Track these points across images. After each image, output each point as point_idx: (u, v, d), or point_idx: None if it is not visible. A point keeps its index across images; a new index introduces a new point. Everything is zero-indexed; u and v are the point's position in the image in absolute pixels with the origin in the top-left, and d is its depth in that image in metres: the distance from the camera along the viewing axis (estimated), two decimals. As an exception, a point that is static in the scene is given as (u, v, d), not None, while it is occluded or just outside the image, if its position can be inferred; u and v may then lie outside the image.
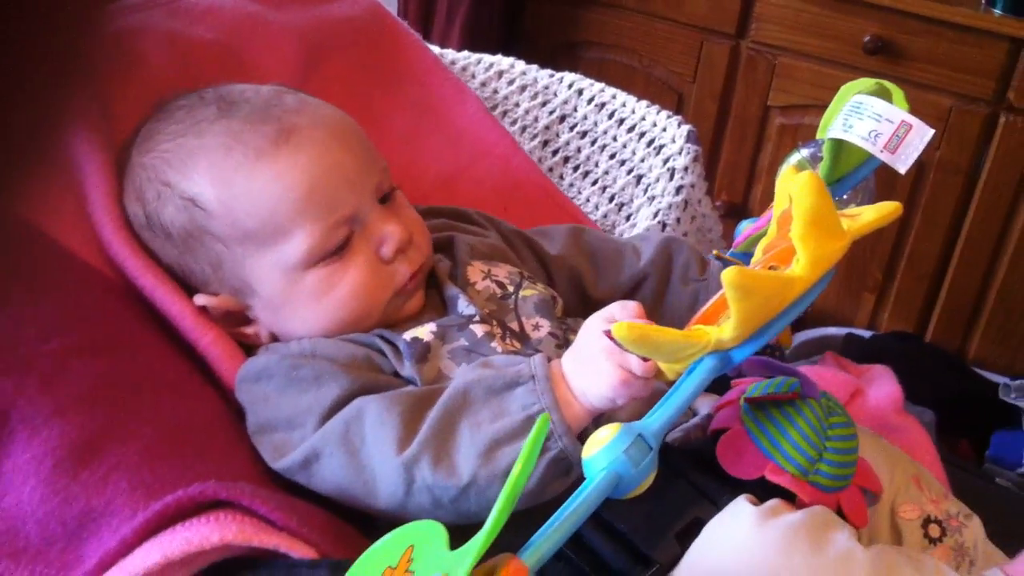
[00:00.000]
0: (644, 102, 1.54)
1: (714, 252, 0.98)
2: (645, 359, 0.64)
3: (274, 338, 0.79)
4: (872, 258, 2.08)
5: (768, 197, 2.09)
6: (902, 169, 0.70)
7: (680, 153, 1.49)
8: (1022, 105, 1.82)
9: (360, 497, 0.69)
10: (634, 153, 1.52)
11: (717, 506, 0.65)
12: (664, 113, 1.52)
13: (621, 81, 1.67)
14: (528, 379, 0.67)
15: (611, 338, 0.61)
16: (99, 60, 0.86)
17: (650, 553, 0.65)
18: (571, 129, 1.53)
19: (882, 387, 0.87)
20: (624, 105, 1.54)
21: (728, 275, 0.55)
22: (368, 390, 0.72)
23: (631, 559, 0.66)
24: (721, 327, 0.59)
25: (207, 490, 0.62)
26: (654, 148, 1.51)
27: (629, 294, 0.92)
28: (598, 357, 0.65)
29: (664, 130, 1.51)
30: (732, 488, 0.67)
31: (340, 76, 1.00)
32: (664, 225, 1.43)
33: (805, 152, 0.83)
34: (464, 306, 0.79)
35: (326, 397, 0.71)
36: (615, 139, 1.53)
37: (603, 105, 1.55)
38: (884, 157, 0.70)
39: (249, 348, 0.80)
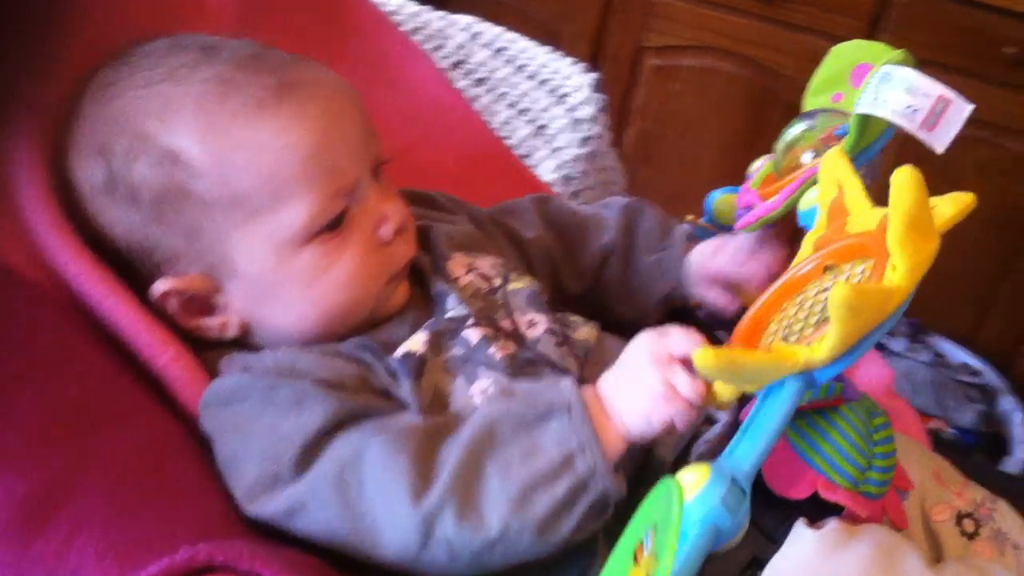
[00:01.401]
0: (546, 48, 1.45)
1: (688, 217, 0.92)
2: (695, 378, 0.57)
3: (245, 331, 0.68)
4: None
5: (645, 140, 2.08)
6: (939, 148, 0.64)
7: (585, 103, 1.41)
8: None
9: (359, 548, 0.59)
10: (536, 102, 1.42)
11: (772, 540, 0.59)
12: (567, 60, 1.44)
13: (491, 19, 1.57)
14: (563, 410, 0.58)
15: (684, 364, 0.54)
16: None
17: None
18: (467, 76, 1.41)
19: (871, 369, 0.82)
20: (524, 51, 1.44)
21: (839, 295, 0.48)
22: (357, 416, 0.61)
23: None
24: (813, 347, 0.52)
25: (199, 555, 0.52)
26: (557, 97, 1.42)
27: (597, 271, 0.85)
28: (648, 378, 0.58)
29: (568, 78, 1.43)
30: (782, 511, 0.61)
31: (281, 30, 0.86)
32: (568, 178, 1.35)
33: (803, 125, 0.76)
34: (454, 305, 0.70)
35: (309, 424, 0.60)
36: (514, 87, 1.43)
37: (501, 50, 1.44)
38: (922, 135, 0.64)
39: (211, 363, 0.68)
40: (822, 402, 0.63)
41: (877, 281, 0.52)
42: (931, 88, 0.64)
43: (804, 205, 0.68)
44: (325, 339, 0.67)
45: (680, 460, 0.67)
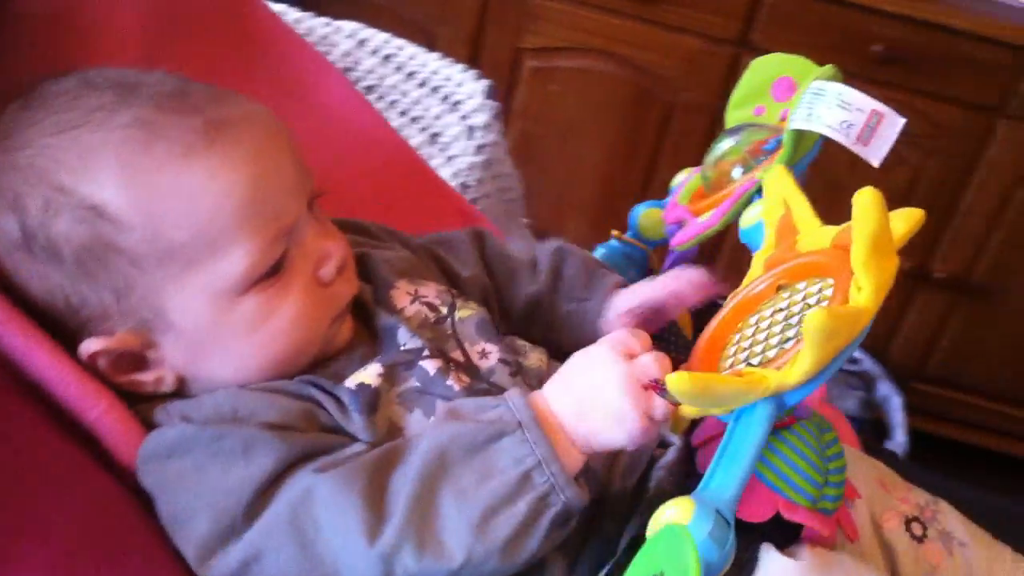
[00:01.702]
0: (435, 54, 1.43)
1: (614, 233, 0.91)
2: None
3: (181, 383, 0.64)
4: (624, 198, 2.11)
5: (526, 141, 2.07)
6: (876, 162, 0.65)
7: (479, 110, 1.39)
8: (765, 46, 1.90)
9: None
10: (428, 110, 1.39)
11: (738, 566, 0.59)
12: (458, 67, 1.42)
13: (368, 21, 1.53)
14: (514, 427, 0.56)
15: (656, 388, 0.53)
16: None
17: None
18: (355, 84, 1.37)
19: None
20: (413, 57, 1.41)
21: (817, 320, 0.47)
22: (308, 455, 0.57)
23: None
24: (784, 371, 0.51)
25: None
26: (450, 104, 1.39)
27: (524, 319, 0.81)
28: (618, 402, 0.56)
29: (460, 85, 1.41)
30: (743, 535, 0.60)
31: (192, 50, 0.80)
32: (465, 186, 1.33)
33: (731, 140, 0.77)
34: (407, 338, 0.66)
35: (258, 471, 0.56)
36: (405, 95, 1.40)
37: (389, 57, 1.41)
38: (857, 149, 0.65)
39: (145, 414, 0.63)
40: (776, 421, 0.63)
41: (841, 302, 0.53)
42: (864, 103, 0.65)
43: (746, 222, 0.68)
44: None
45: (639, 485, 0.66)
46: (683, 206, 0.81)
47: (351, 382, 0.62)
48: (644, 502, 0.65)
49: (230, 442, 0.57)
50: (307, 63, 0.91)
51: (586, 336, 0.75)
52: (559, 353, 0.76)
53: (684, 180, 0.86)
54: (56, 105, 0.60)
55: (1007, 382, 2.14)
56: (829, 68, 0.69)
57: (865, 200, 0.51)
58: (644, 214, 0.88)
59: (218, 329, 0.61)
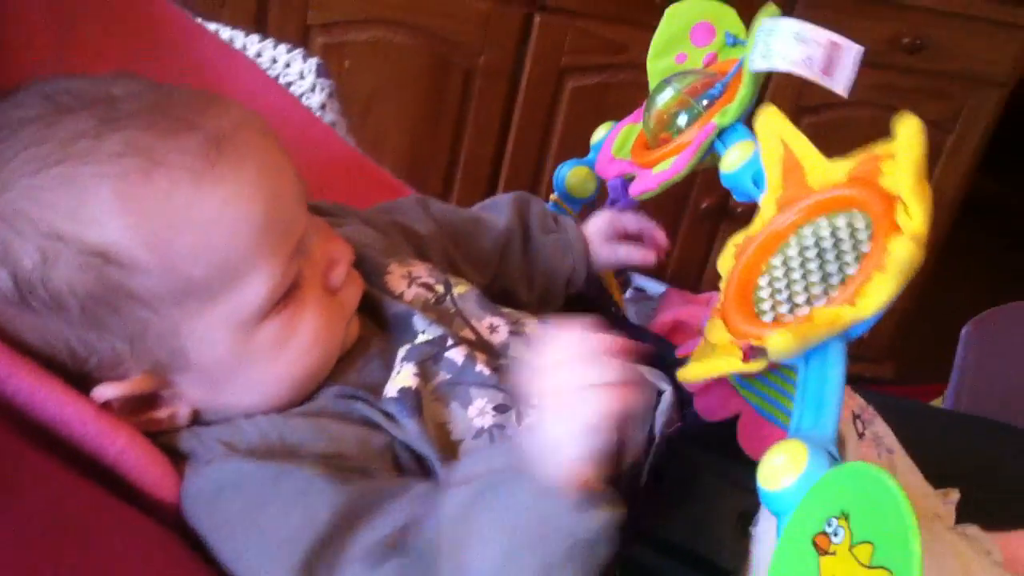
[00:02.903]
0: (256, 36, 1.33)
1: (552, 197, 0.90)
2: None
3: (196, 417, 0.59)
4: (432, 168, 2.09)
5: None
6: (842, 91, 0.67)
7: (313, 90, 1.32)
8: (554, 4, 1.92)
9: None
10: (260, 96, 1.30)
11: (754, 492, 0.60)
12: (284, 47, 1.34)
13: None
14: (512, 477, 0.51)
15: (749, 353, 0.52)
16: None
17: (722, 562, 0.60)
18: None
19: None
20: (232, 41, 1.31)
21: (907, 251, 0.49)
22: (361, 510, 0.53)
23: (698, 571, 0.60)
24: (858, 305, 0.52)
25: None
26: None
27: (498, 260, 0.81)
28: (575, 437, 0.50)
29: (288, 65, 1.33)
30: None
31: (98, 48, 0.71)
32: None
33: (670, 90, 0.77)
34: (424, 325, 0.63)
35: (316, 523, 0.52)
36: (231, 82, 1.30)
37: (207, 43, 1.30)
38: (824, 82, 0.66)
39: (164, 440, 0.58)
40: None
41: (888, 231, 0.54)
42: (819, 35, 0.67)
43: (728, 167, 0.68)
44: (294, 404, 0.59)
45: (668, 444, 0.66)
46: (624, 160, 0.80)
47: (391, 390, 0.59)
48: (653, 447, 0.65)
49: (286, 486, 0.53)
50: (213, 48, 0.83)
51: (568, 261, 0.81)
52: (530, 304, 0.76)
53: (607, 135, 0.86)
54: (26, 136, 0.52)
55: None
56: (772, 6, 0.70)
57: (910, 128, 0.53)
58: (571, 173, 0.87)
59: (238, 361, 0.57)
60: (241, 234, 0.54)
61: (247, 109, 0.58)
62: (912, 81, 2.07)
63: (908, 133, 0.53)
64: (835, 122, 2.05)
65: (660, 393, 0.69)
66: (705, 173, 0.74)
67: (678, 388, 0.69)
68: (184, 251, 0.53)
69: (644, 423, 0.67)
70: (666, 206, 2.04)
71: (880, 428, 0.81)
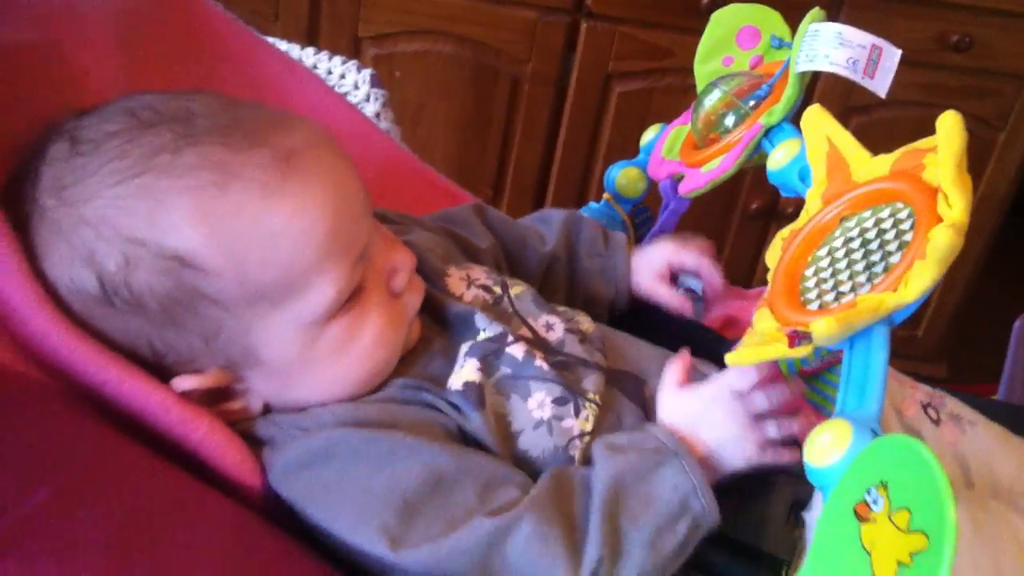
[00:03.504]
0: (311, 48, 1.38)
1: (605, 197, 0.92)
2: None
3: (267, 409, 0.64)
4: (480, 175, 2.13)
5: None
6: (883, 93, 0.70)
7: (368, 100, 1.36)
8: (599, 10, 1.95)
9: None
10: (316, 107, 1.35)
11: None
12: (338, 59, 1.38)
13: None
14: (672, 456, 0.61)
15: (796, 338, 0.55)
16: None
17: (773, 552, 0.65)
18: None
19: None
20: (288, 53, 1.36)
21: (947, 239, 0.51)
22: (452, 468, 0.58)
23: (752, 563, 0.64)
24: (900, 292, 0.54)
25: None
26: (338, 99, 1.36)
27: (541, 279, 0.84)
28: (738, 442, 0.64)
29: (343, 77, 1.37)
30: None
31: (157, 66, 0.75)
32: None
33: (717, 92, 0.79)
34: (485, 323, 0.67)
35: (408, 477, 0.57)
36: (289, 94, 1.35)
37: (266, 57, 1.35)
38: (865, 83, 0.69)
39: (239, 428, 0.62)
40: (830, 360, 0.67)
41: (929, 222, 0.56)
42: (863, 38, 0.70)
43: (775, 164, 0.70)
44: (360, 398, 0.64)
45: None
46: (673, 160, 0.83)
47: (455, 383, 0.63)
48: None
49: (377, 447, 0.58)
50: (274, 61, 0.87)
51: (610, 289, 0.83)
52: (576, 307, 0.80)
53: (656, 137, 0.89)
54: (110, 149, 0.57)
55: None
56: (818, 11, 0.73)
57: (950, 122, 0.55)
58: (621, 174, 0.90)
59: (306, 359, 0.61)
60: (307, 245, 0.58)
61: (316, 125, 0.62)
62: (960, 80, 2.06)
63: (948, 126, 0.55)
64: (884, 122, 2.05)
65: None
66: (754, 174, 0.77)
67: None
68: (254, 259, 0.57)
69: None
70: (716, 207, 2.05)
71: (954, 406, 0.83)
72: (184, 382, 0.59)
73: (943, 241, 0.51)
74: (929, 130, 0.58)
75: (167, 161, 0.56)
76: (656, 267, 0.82)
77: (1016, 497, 0.81)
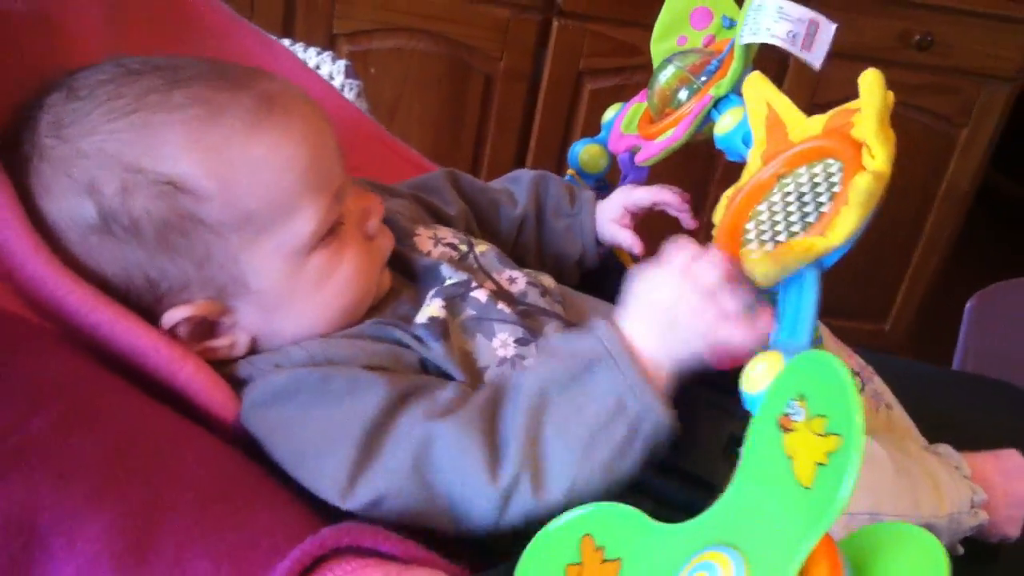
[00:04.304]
0: (287, 40, 1.42)
1: (568, 172, 0.97)
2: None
3: (252, 345, 0.67)
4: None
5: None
6: (818, 65, 0.74)
7: (343, 89, 1.40)
8: (571, 8, 2.00)
9: (440, 525, 0.60)
10: (292, 96, 1.39)
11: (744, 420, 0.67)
12: (313, 50, 1.42)
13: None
14: (604, 356, 0.60)
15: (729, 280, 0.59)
16: None
17: (711, 479, 0.64)
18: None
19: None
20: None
21: (865, 182, 0.55)
22: (409, 393, 0.62)
23: (690, 488, 0.66)
24: (827, 236, 0.59)
25: (326, 540, 0.53)
26: (313, 88, 1.40)
27: (513, 242, 0.89)
28: (692, 316, 0.60)
29: (318, 68, 1.41)
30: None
31: (142, 37, 0.80)
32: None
33: (671, 68, 0.84)
34: (450, 272, 0.72)
35: (366, 409, 0.60)
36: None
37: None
38: (803, 55, 0.74)
39: (222, 370, 0.66)
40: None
41: (856, 172, 0.61)
42: (801, 12, 0.74)
43: (721, 130, 0.75)
44: (335, 332, 0.67)
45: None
46: (631, 134, 0.88)
47: (421, 318, 0.67)
48: None
49: (336, 383, 0.61)
50: (253, 38, 0.91)
51: (577, 246, 0.88)
52: (547, 266, 0.85)
53: (616, 115, 0.93)
54: (105, 92, 0.62)
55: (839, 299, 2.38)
56: None
57: (870, 80, 0.60)
58: (584, 150, 0.95)
59: (291, 287, 0.65)
60: (288, 174, 0.63)
61: (290, 83, 0.68)
62: (923, 77, 2.12)
63: (869, 82, 0.60)
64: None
65: None
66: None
67: None
68: (242, 186, 0.61)
69: None
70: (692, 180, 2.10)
71: (878, 385, 0.88)
72: (176, 313, 0.63)
73: (862, 185, 0.56)
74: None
75: (158, 100, 0.61)
76: (612, 213, 0.87)
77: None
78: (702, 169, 2.12)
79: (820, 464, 0.46)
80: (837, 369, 0.47)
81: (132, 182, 0.60)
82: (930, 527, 0.75)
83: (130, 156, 0.60)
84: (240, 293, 0.65)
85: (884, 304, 2.42)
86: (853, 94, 0.62)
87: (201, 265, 0.63)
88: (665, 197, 0.85)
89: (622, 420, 0.58)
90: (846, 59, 2.09)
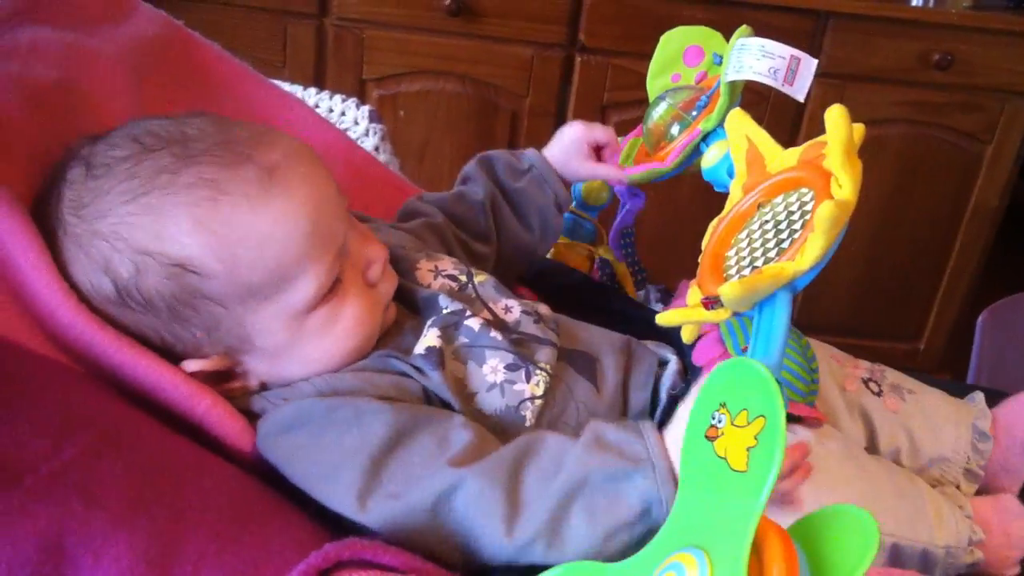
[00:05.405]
0: (312, 89, 1.49)
1: (569, 208, 1.01)
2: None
3: (264, 386, 0.73)
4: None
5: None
6: (800, 97, 0.78)
7: (368, 134, 1.46)
8: (593, 44, 2.05)
9: (448, 559, 0.65)
10: (318, 142, 1.45)
11: None
12: (338, 97, 1.48)
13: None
14: (648, 467, 0.64)
15: (710, 303, 0.63)
16: None
17: None
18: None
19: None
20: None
21: (827, 210, 0.59)
22: (415, 425, 0.67)
23: None
24: (797, 260, 0.62)
25: (329, 553, 0.57)
26: (338, 133, 1.46)
27: (492, 221, 0.95)
28: None
29: (343, 113, 1.47)
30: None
31: (162, 98, 0.86)
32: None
33: (664, 104, 0.88)
34: (447, 303, 0.76)
35: (373, 436, 0.65)
36: (293, 131, 1.45)
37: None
38: (786, 89, 0.78)
39: (237, 404, 0.72)
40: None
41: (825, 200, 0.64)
42: (783, 50, 0.78)
43: (707, 163, 0.79)
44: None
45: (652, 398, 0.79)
46: (628, 167, 0.92)
47: (419, 348, 0.72)
48: (660, 409, 0.78)
49: (342, 412, 0.66)
50: (264, 89, 0.97)
51: (549, 192, 0.95)
52: (534, 247, 0.94)
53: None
54: (120, 172, 0.67)
55: (848, 318, 2.39)
56: (745, 28, 0.82)
57: (835, 114, 0.64)
58: (586, 185, 0.99)
59: (293, 342, 0.70)
60: (289, 248, 0.67)
61: (296, 139, 0.72)
62: (945, 97, 2.13)
63: (834, 117, 0.63)
64: (873, 140, 2.11)
65: (666, 363, 0.81)
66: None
67: (682, 358, 0.81)
68: (244, 262, 0.66)
69: (647, 386, 0.78)
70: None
71: (893, 377, 0.91)
72: (192, 365, 0.69)
73: (825, 213, 0.59)
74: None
75: (167, 181, 0.66)
76: (576, 150, 0.94)
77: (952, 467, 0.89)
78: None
79: (750, 448, 0.51)
80: (745, 364, 0.52)
81: (144, 264, 0.65)
82: (926, 554, 0.79)
83: (142, 240, 0.65)
84: (248, 349, 0.70)
85: (918, 324, 2.42)
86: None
87: (210, 332, 0.68)
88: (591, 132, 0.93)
89: (645, 522, 0.63)
90: (869, 82, 2.14)
